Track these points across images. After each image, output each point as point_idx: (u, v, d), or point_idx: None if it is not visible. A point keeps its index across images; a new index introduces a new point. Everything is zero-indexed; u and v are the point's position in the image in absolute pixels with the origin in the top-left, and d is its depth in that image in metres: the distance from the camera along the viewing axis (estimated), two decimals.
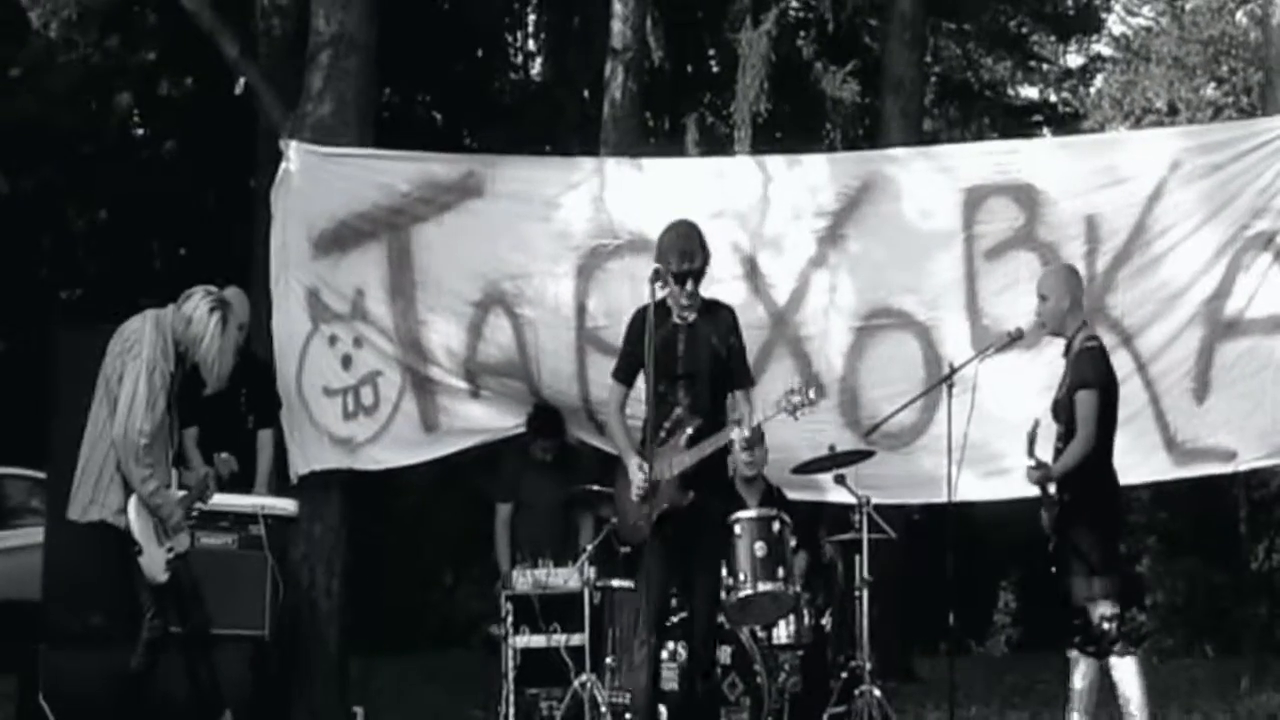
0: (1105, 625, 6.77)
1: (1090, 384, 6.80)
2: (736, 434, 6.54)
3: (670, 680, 7.06)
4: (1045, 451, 6.90)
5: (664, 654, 6.95)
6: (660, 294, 6.62)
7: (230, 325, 6.69)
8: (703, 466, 6.56)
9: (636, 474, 6.54)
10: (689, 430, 6.54)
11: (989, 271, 8.15)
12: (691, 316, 6.63)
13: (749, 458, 6.79)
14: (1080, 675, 6.95)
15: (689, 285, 6.54)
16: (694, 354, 6.59)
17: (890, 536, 7.76)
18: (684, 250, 6.54)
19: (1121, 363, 7.88)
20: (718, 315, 6.75)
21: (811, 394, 6.61)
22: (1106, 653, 6.80)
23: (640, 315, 6.73)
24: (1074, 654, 6.94)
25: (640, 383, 6.73)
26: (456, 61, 17.88)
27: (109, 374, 6.56)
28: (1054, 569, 6.93)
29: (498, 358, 8.56)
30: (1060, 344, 7.07)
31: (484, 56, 18.64)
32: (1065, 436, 6.85)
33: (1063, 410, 6.89)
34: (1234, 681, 10.93)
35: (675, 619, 6.96)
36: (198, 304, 6.57)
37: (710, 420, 6.59)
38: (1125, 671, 6.79)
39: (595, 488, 7.89)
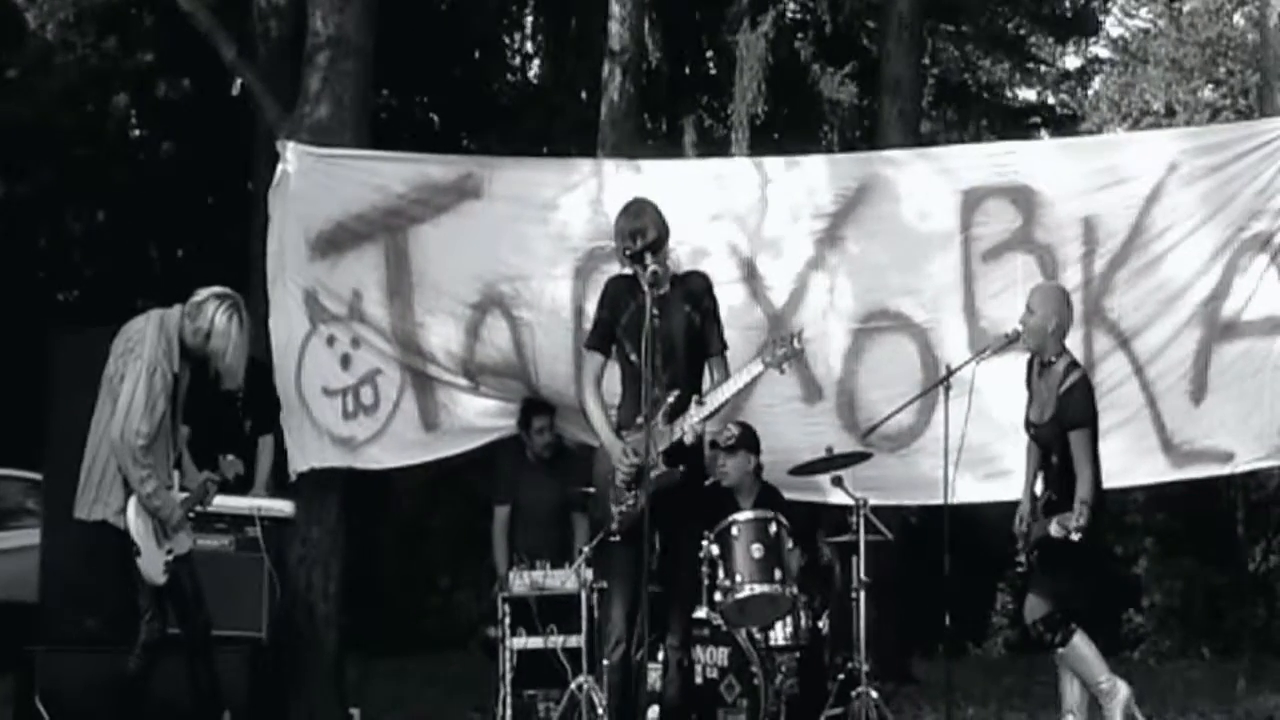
0: (1040, 627, 6.83)
1: (1083, 424, 6.76)
2: (694, 412, 6.38)
3: (657, 682, 6.97)
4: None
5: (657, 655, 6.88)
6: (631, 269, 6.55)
7: (245, 322, 6.66)
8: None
9: (622, 460, 6.46)
10: (668, 400, 6.39)
11: (986, 273, 8.15)
12: (663, 289, 6.50)
13: (700, 430, 6.54)
14: (1071, 677, 6.96)
15: (647, 260, 6.41)
16: (669, 324, 6.44)
17: (887, 538, 7.75)
18: (632, 230, 6.47)
19: (1119, 365, 7.94)
20: (690, 282, 6.67)
21: (796, 343, 6.48)
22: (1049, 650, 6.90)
23: (613, 284, 6.69)
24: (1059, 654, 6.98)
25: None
26: (454, 63, 17.87)
27: (111, 374, 6.54)
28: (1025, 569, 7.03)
29: (495, 359, 8.55)
30: None
31: (481, 58, 18.64)
32: (1056, 466, 6.84)
33: (1053, 441, 6.85)
34: (1231, 683, 10.92)
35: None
36: (213, 310, 6.54)
37: (688, 391, 6.46)
38: (1061, 668, 6.91)
39: (591, 489, 7.87)
